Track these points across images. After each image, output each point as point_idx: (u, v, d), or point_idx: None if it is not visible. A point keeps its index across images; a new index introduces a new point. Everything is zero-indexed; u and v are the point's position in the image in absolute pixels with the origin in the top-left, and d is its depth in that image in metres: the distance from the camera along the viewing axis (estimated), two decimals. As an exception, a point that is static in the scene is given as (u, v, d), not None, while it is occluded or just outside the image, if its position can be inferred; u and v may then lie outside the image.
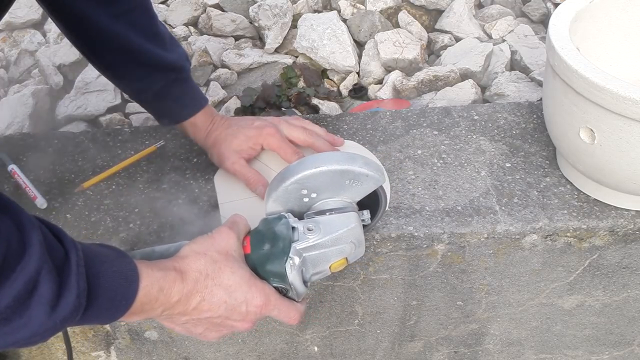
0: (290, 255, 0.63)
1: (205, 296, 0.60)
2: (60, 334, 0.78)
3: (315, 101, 1.23)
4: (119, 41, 0.80)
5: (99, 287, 0.52)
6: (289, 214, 0.67)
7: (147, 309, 0.57)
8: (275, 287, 0.65)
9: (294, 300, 0.67)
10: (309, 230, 0.64)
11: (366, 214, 0.71)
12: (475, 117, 0.98)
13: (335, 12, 1.38)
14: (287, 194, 0.66)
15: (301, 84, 1.28)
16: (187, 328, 0.64)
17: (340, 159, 0.65)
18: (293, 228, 0.65)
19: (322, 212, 0.67)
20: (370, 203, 0.72)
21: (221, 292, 0.61)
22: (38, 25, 1.44)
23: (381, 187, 0.70)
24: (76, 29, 0.81)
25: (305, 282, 0.66)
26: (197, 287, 0.60)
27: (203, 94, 0.90)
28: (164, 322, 0.63)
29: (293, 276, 0.64)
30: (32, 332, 0.49)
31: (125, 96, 1.25)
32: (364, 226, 0.71)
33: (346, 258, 0.67)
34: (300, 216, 0.68)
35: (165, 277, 0.58)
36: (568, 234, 0.82)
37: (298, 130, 0.88)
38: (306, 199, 0.68)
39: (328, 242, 0.65)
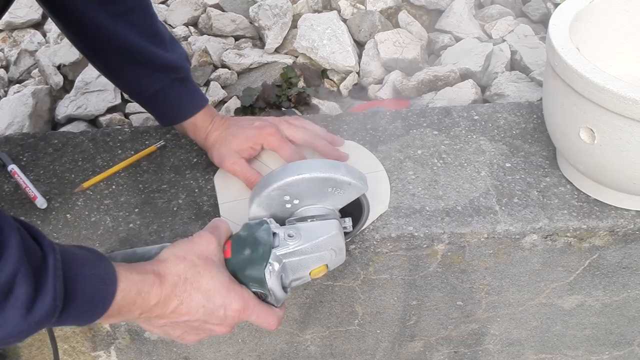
0: (270, 261, 0.64)
1: (184, 300, 0.60)
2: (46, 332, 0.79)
3: (315, 101, 1.23)
4: (119, 41, 0.80)
5: (77, 290, 0.52)
6: (271, 219, 0.67)
7: (125, 311, 0.57)
8: (254, 292, 0.65)
9: (273, 305, 0.67)
10: (290, 236, 0.65)
11: (348, 221, 0.71)
12: (475, 117, 0.98)
13: (335, 12, 1.38)
14: (269, 199, 0.67)
15: (301, 84, 1.28)
16: (165, 331, 0.64)
17: (324, 166, 0.66)
18: (274, 234, 0.65)
19: (303, 219, 0.68)
20: (353, 211, 0.72)
21: (200, 296, 0.61)
22: (38, 25, 1.44)
23: (364, 195, 0.70)
24: (76, 29, 0.81)
25: (284, 288, 0.67)
26: (176, 290, 0.60)
27: (203, 94, 0.90)
28: (142, 324, 0.63)
29: (272, 282, 0.64)
30: (7, 334, 0.49)
31: (125, 96, 1.25)
32: (346, 234, 0.72)
33: (326, 265, 0.67)
34: (282, 222, 0.69)
35: (144, 280, 0.58)
36: (568, 234, 0.82)
37: (298, 130, 0.88)
38: (289, 205, 0.68)
39: (308, 248, 0.65)
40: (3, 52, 1.39)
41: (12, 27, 1.43)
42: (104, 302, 0.54)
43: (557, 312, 0.94)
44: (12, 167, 0.91)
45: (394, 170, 0.89)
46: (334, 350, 0.98)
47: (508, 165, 0.90)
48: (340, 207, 0.70)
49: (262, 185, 0.67)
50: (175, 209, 0.86)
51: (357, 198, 0.70)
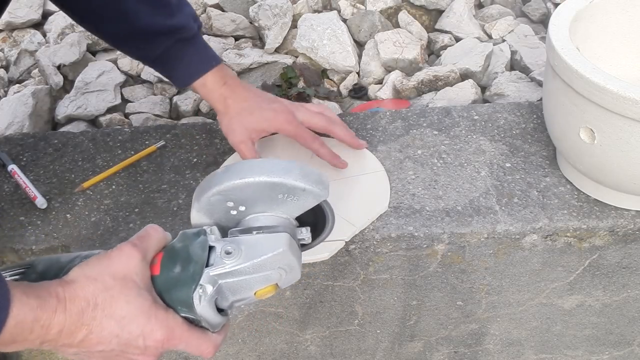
0: (202, 282, 0.54)
1: (93, 329, 0.52)
2: None
3: (315, 101, 1.23)
4: (115, 9, 0.77)
5: None
6: (213, 228, 0.58)
7: (20, 339, 0.49)
8: (184, 317, 0.56)
9: (209, 330, 0.57)
10: (227, 253, 0.55)
11: (305, 232, 0.61)
12: (475, 117, 0.98)
13: (335, 12, 1.38)
14: (210, 205, 0.58)
15: (301, 84, 1.28)
16: (81, 359, 0.56)
17: (272, 169, 0.57)
18: (211, 247, 0.56)
19: (249, 230, 0.58)
20: (317, 218, 0.64)
21: (112, 324, 0.53)
22: (38, 25, 1.44)
23: (325, 202, 0.62)
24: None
25: (222, 311, 0.58)
26: (83, 319, 0.51)
27: (215, 55, 0.85)
28: (53, 350, 0.56)
29: (202, 307, 0.55)
30: None
31: (125, 96, 1.25)
32: (305, 245, 0.63)
33: (276, 284, 0.58)
34: (228, 229, 0.60)
35: (43, 305, 0.49)
36: (568, 234, 0.82)
37: (316, 117, 0.85)
38: (234, 212, 0.59)
39: (249, 268, 0.55)
40: (3, 52, 1.39)
41: (12, 27, 1.43)
42: None
43: (557, 312, 0.94)
44: (12, 167, 0.91)
45: (394, 170, 0.89)
46: (334, 350, 0.98)
47: (508, 165, 0.90)
48: (297, 215, 0.60)
49: (202, 189, 0.58)
50: (175, 209, 0.86)
51: (319, 205, 0.60)
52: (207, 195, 0.57)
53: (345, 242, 0.79)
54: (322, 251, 0.77)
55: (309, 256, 0.76)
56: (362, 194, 0.84)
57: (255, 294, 0.58)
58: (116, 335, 0.53)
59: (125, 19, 0.78)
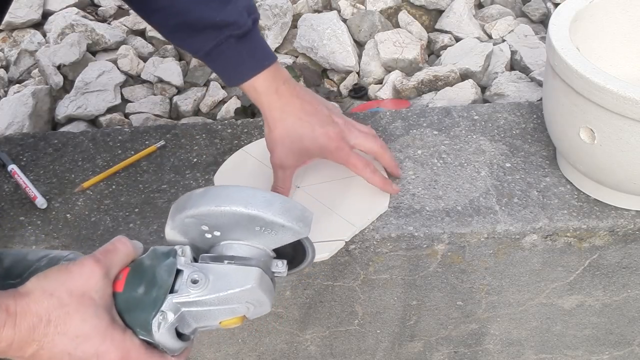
0: (163, 309, 0.52)
1: (44, 345, 0.50)
2: None
3: (315, 101, 1.23)
4: (163, 2, 0.74)
5: None
6: (185, 248, 0.56)
7: None
8: (142, 340, 0.53)
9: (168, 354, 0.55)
10: (194, 282, 0.53)
11: (281, 265, 0.58)
12: (475, 117, 0.98)
13: (335, 12, 1.38)
14: (184, 226, 0.56)
15: (301, 84, 1.28)
16: None
17: (252, 200, 0.53)
18: (179, 271, 0.54)
19: (220, 258, 0.55)
20: (296, 250, 0.60)
21: (65, 342, 0.50)
22: (38, 25, 1.44)
23: (306, 238, 0.58)
24: None
25: (184, 336, 0.56)
26: (34, 335, 0.49)
27: (269, 52, 0.79)
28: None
29: (161, 335, 0.52)
30: None
31: (125, 96, 1.25)
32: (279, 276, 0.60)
33: (243, 316, 0.56)
34: (202, 251, 0.58)
35: None
36: (568, 234, 0.82)
37: (369, 141, 0.81)
38: (208, 235, 0.56)
39: (214, 300, 0.53)
40: (3, 52, 1.39)
41: (12, 27, 1.43)
42: None
43: (557, 312, 0.94)
44: (12, 167, 0.91)
45: (394, 170, 0.89)
46: (334, 350, 0.98)
47: (508, 165, 0.90)
48: (273, 247, 0.58)
49: (177, 208, 0.56)
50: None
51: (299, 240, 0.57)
52: (180, 216, 0.55)
53: (345, 242, 0.79)
54: (323, 251, 0.77)
55: None
56: (361, 194, 0.84)
57: (220, 323, 0.56)
58: (68, 353, 0.51)
59: (171, 9, 0.74)
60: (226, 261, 0.55)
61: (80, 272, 0.52)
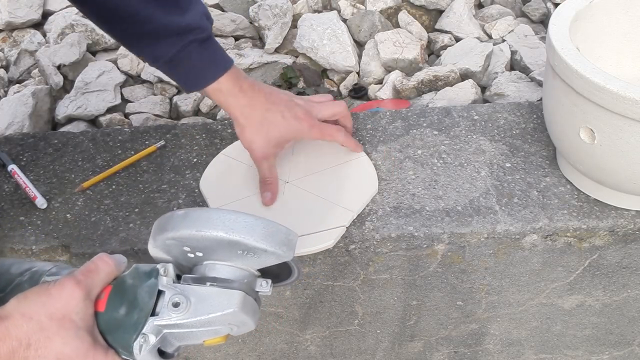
0: (144, 332, 0.52)
1: None
2: None
3: (315, 101, 1.23)
4: (123, 10, 0.74)
5: None
6: (168, 267, 0.55)
7: None
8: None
9: None
10: (175, 305, 0.52)
11: (265, 284, 0.58)
12: (475, 117, 0.98)
13: (335, 12, 1.38)
14: (166, 246, 0.56)
15: (301, 84, 1.28)
16: None
17: (233, 225, 0.53)
18: (161, 292, 0.53)
19: (203, 280, 0.55)
20: (281, 268, 0.59)
21: None
22: (38, 25, 1.44)
23: (293, 259, 0.57)
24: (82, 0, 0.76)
25: (167, 354, 0.55)
26: (14, 359, 0.49)
27: (226, 55, 0.81)
28: None
29: (143, 357, 0.52)
30: None
31: (125, 96, 1.25)
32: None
33: (227, 334, 0.56)
34: (186, 269, 0.58)
35: None
36: (568, 234, 0.82)
37: (331, 108, 0.86)
38: (191, 255, 0.56)
39: (196, 323, 0.53)
40: (3, 52, 1.39)
41: (12, 27, 1.43)
42: None
43: (557, 312, 0.94)
44: (12, 167, 0.91)
45: (394, 170, 0.89)
46: (334, 350, 0.98)
47: (508, 165, 0.90)
48: (257, 268, 0.57)
49: (159, 228, 0.55)
50: (175, 209, 0.86)
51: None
52: (161, 237, 0.55)
53: (346, 227, 0.80)
54: (326, 240, 0.78)
55: (313, 246, 0.78)
56: (350, 180, 0.86)
57: (204, 342, 0.55)
58: None
59: (134, 18, 0.74)
60: (208, 283, 0.54)
61: (60, 295, 0.51)
